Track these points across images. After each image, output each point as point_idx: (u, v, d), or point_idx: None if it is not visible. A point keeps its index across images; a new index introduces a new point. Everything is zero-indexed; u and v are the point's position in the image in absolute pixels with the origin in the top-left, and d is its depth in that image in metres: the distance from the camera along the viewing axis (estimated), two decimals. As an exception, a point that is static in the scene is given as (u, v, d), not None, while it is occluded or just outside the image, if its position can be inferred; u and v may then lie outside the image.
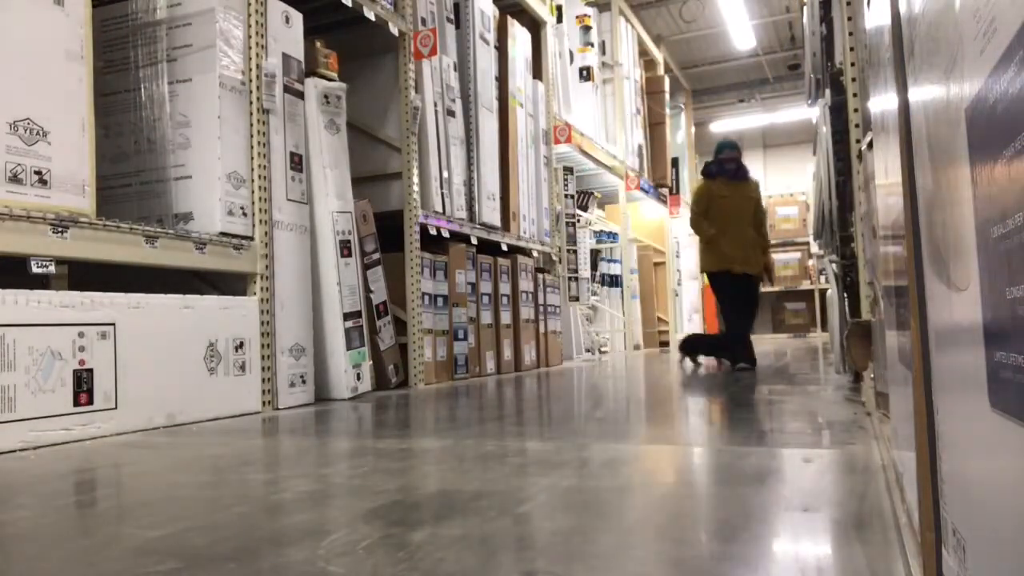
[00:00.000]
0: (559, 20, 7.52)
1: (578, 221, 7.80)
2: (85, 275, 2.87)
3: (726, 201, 5.62)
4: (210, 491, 1.75)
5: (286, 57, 3.70)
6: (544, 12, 7.08)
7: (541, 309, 6.51)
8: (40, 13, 2.58)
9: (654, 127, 10.76)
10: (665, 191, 10.86)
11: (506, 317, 5.90)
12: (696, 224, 5.75)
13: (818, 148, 4.43)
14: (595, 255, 9.18)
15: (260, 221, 3.47)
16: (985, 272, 0.52)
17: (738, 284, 5.61)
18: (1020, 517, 0.47)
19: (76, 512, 1.59)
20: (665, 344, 10.49)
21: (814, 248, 11.64)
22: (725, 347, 5.75)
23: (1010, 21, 0.42)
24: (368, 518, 1.41)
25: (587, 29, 8.26)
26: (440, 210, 5.03)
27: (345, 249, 3.97)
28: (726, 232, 5.58)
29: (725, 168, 5.68)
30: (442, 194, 5.09)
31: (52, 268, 2.53)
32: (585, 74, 8.17)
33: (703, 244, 5.79)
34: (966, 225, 0.56)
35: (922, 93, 0.74)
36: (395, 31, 4.70)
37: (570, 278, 7.40)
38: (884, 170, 1.29)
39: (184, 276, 3.26)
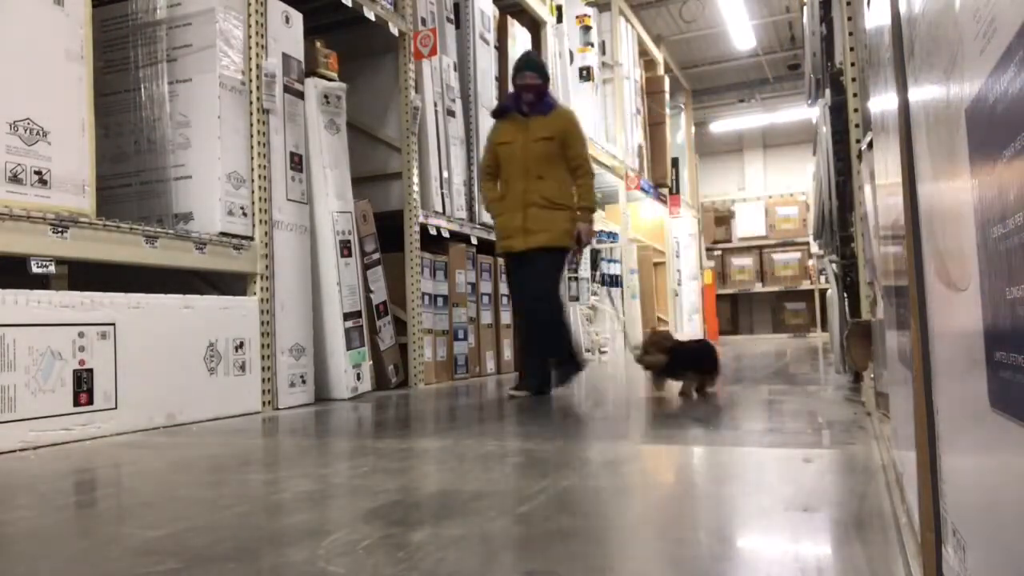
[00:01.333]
0: (559, 20, 7.51)
1: (578, 221, 7.78)
2: (85, 275, 2.87)
3: (507, 149, 3.84)
4: (210, 491, 1.75)
5: (286, 57, 3.70)
6: (544, 12, 7.08)
7: (541, 309, 6.50)
8: (40, 13, 2.58)
9: (654, 127, 10.75)
10: (665, 191, 10.86)
11: (506, 317, 5.90)
12: (480, 186, 4.09)
13: (818, 148, 4.43)
14: (595, 255, 9.17)
15: (260, 221, 3.47)
16: (985, 272, 0.52)
17: (520, 268, 3.86)
18: (1020, 517, 0.47)
19: (76, 512, 1.59)
20: (665, 344, 10.47)
21: (814, 248, 11.66)
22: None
23: (1010, 21, 0.42)
24: (368, 518, 1.40)
25: (587, 29, 8.25)
26: (440, 210, 5.03)
27: (345, 249, 3.97)
28: (505, 194, 3.87)
29: (521, 101, 3.86)
30: (442, 194, 5.09)
31: (52, 268, 2.53)
32: (585, 74, 8.16)
33: None
34: (966, 225, 0.56)
35: (922, 93, 0.74)
36: (395, 31, 4.70)
37: (570, 278, 7.39)
38: (884, 170, 1.29)
39: (184, 276, 3.26)
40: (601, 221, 9.51)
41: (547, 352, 3.82)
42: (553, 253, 3.80)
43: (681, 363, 3.55)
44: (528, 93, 3.82)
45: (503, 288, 5.90)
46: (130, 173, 3.45)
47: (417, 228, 4.75)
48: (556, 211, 3.78)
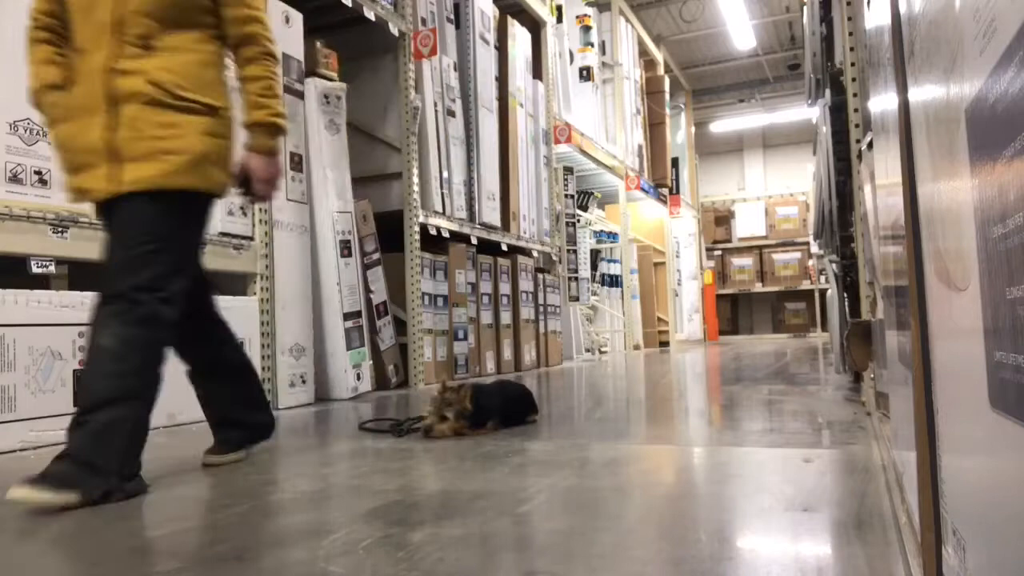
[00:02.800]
0: (559, 20, 7.51)
1: (578, 221, 7.80)
2: (85, 275, 2.87)
3: None
4: (210, 491, 1.75)
5: (286, 57, 3.70)
6: (544, 12, 7.08)
7: (541, 309, 6.51)
8: (40, 13, 2.57)
9: (654, 127, 10.76)
10: (665, 191, 10.86)
11: (506, 317, 5.90)
12: (32, 52, 1.95)
13: (818, 148, 4.43)
14: (595, 255, 9.18)
15: (260, 221, 3.47)
16: (985, 272, 0.52)
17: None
18: (1020, 517, 0.47)
19: (76, 512, 1.59)
20: (665, 344, 10.49)
21: (814, 248, 11.66)
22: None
23: (1010, 21, 0.42)
24: (368, 518, 1.40)
25: (587, 29, 8.25)
26: (440, 210, 5.03)
27: (345, 249, 3.97)
28: (71, 76, 1.87)
29: None
30: (442, 194, 5.09)
31: (52, 268, 2.53)
32: (585, 74, 8.16)
33: None
34: (966, 225, 0.56)
35: (922, 93, 0.74)
36: (395, 31, 4.70)
37: (570, 278, 7.40)
38: (884, 170, 1.29)
39: (184, 276, 3.25)
40: (601, 221, 9.52)
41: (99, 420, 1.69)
42: (167, 204, 1.82)
43: (488, 407, 2.48)
44: None
45: (503, 288, 5.89)
46: (130, 173, 3.45)
47: (417, 228, 4.75)
48: (182, 114, 1.85)
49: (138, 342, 1.76)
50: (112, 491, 1.63)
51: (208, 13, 1.95)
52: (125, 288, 1.75)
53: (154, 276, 1.79)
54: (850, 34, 3.13)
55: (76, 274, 2.85)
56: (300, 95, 3.80)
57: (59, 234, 2.56)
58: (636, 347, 9.76)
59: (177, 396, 2.96)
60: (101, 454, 1.65)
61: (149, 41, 1.84)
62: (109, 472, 1.65)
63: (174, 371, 2.94)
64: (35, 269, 2.48)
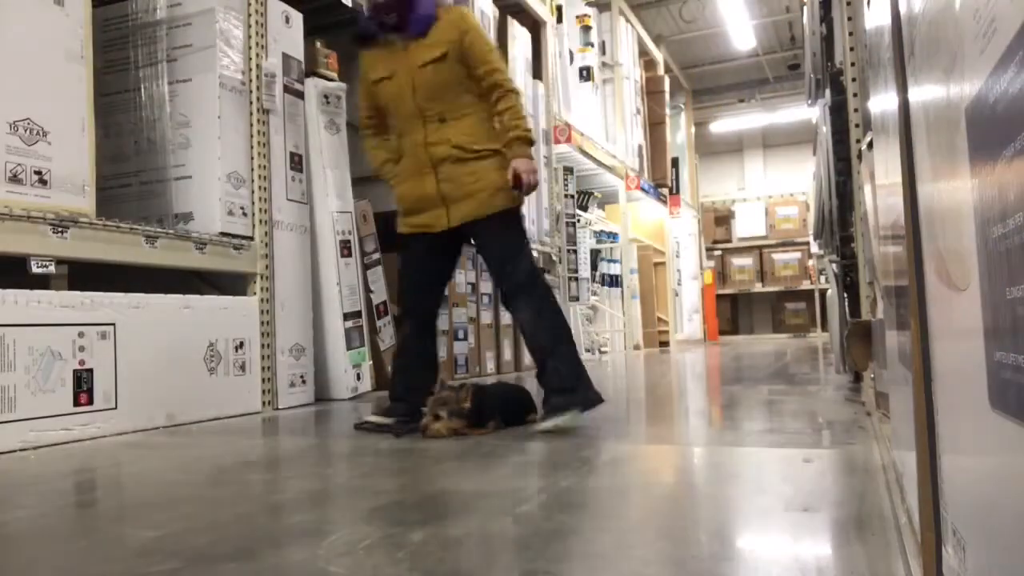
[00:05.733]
0: (559, 20, 7.51)
1: (578, 221, 7.79)
2: (85, 275, 2.87)
3: (388, 87, 2.67)
4: (210, 491, 1.75)
5: (286, 57, 3.70)
6: (544, 12, 7.07)
7: (541, 309, 6.50)
8: (40, 13, 2.58)
9: (654, 127, 10.75)
10: (665, 191, 10.85)
11: (506, 317, 5.89)
12: (366, 145, 2.91)
13: (818, 148, 4.42)
14: (595, 255, 9.17)
15: (260, 221, 3.47)
16: (985, 272, 0.52)
17: (433, 254, 2.74)
18: (1020, 517, 0.47)
19: (76, 512, 1.59)
20: (665, 344, 10.49)
21: (814, 248, 11.65)
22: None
23: (1010, 21, 0.42)
24: (368, 518, 1.40)
25: (587, 29, 8.25)
26: (440, 210, 5.02)
27: (345, 249, 3.97)
28: (401, 152, 2.76)
29: (381, 22, 2.62)
30: (442, 194, 5.08)
31: (52, 268, 2.53)
32: (585, 74, 8.16)
33: None
34: (966, 225, 0.56)
35: (922, 93, 0.74)
36: (395, 31, 4.69)
37: (570, 278, 7.39)
38: (884, 170, 1.29)
39: (184, 276, 3.26)
40: (601, 221, 9.51)
41: (559, 371, 2.60)
42: (502, 221, 2.61)
43: (489, 407, 2.49)
44: (384, 12, 2.57)
45: (503, 288, 5.86)
46: (130, 173, 3.45)
47: (417, 228, 4.74)
48: (479, 161, 2.59)
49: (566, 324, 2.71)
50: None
51: (471, 80, 2.63)
52: (536, 282, 2.64)
53: (539, 274, 2.73)
54: (850, 34, 3.13)
55: (76, 274, 2.85)
56: (300, 95, 3.80)
57: (59, 234, 2.56)
58: (636, 347, 9.76)
59: (178, 397, 2.96)
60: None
61: (441, 115, 2.61)
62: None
63: (175, 370, 2.95)
64: (35, 269, 2.48)
